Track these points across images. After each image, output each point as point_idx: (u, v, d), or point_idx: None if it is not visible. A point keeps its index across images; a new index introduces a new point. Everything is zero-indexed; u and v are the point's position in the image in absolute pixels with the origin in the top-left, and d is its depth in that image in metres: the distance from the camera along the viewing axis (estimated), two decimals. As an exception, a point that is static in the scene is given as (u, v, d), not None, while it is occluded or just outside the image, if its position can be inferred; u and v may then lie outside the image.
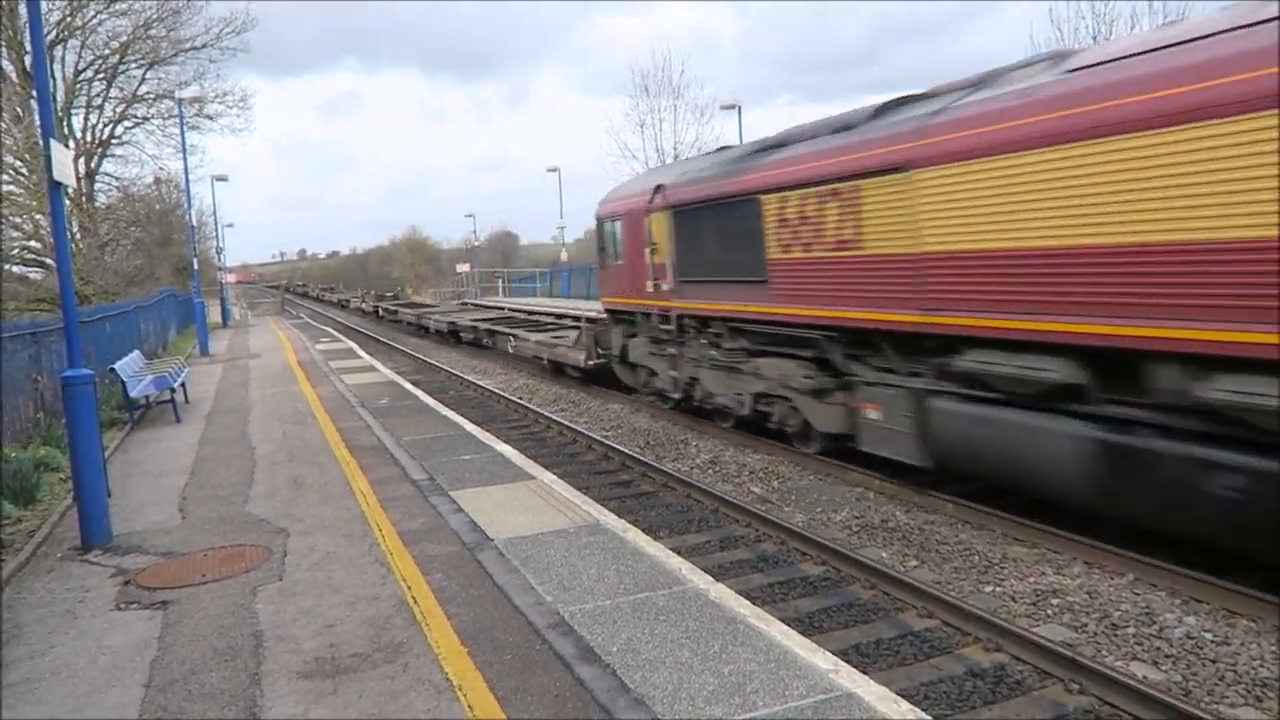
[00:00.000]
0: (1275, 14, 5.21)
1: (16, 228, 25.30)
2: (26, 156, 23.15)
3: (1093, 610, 6.15)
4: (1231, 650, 5.51)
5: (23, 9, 24.17)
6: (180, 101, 26.98)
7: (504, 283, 53.18)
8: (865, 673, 4.61)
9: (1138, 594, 6.38)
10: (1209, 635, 5.71)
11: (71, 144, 30.19)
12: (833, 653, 4.72)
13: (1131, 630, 5.84)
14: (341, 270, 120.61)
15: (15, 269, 27.06)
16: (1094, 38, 20.96)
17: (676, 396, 12.96)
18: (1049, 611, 6.21)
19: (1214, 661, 5.40)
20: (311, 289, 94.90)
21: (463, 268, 55.45)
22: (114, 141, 33.64)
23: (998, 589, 6.64)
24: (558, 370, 18.27)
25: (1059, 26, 22.92)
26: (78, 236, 28.00)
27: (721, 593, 5.33)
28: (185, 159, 26.89)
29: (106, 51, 30.70)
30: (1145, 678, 5.18)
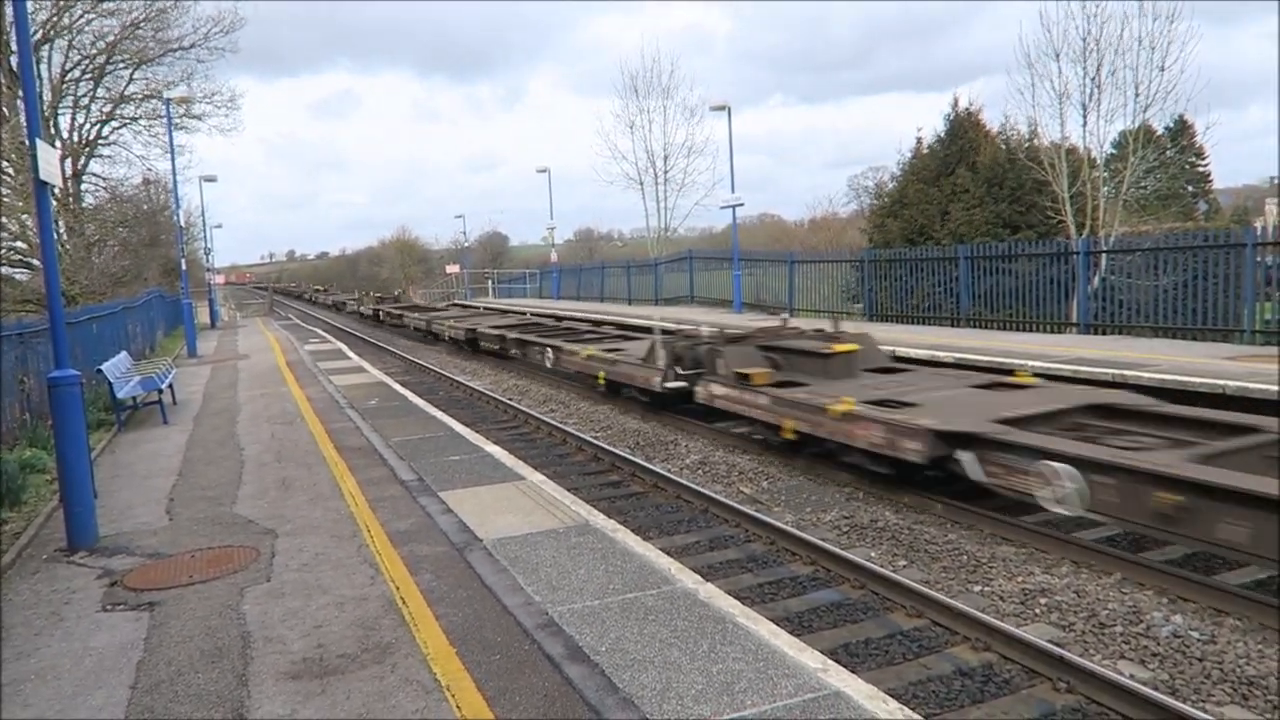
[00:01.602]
0: None
1: (2, 228, 25.14)
2: (13, 157, 23.01)
3: (1080, 609, 6.18)
4: (1218, 649, 5.54)
5: (8, 9, 24.02)
6: (168, 102, 26.86)
7: (493, 283, 53.15)
8: (854, 672, 4.62)
9: (1125, 593, 6.41)
10: (1195, 634, 5.74)
11: (58, 144, 30.02)
12: (821, 652, 4.72)
13: (1119, 629, 5.87)
14: (331, 271, 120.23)
15: (2, 270, 26.89)
16: (1084, 39, 21.03)
17: None
18: (1037, 611, 6.23)
19: (1200, 660, 5.43)
20: (357, 301, 50.54)
21: (452, 269, 55.39)
22: (101, 142, 33.54)
23: (986, 588, 6.66)
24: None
25: (1048, 28, 23.00)
26: (64, 237, 27.84)
27: (710, 592, 5.33)
28: (173, 159, 26.78)
29: (94, 51, 30.59)
30: (1132, 676, 5.20)
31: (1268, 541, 5.51)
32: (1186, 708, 4.69)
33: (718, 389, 11.57)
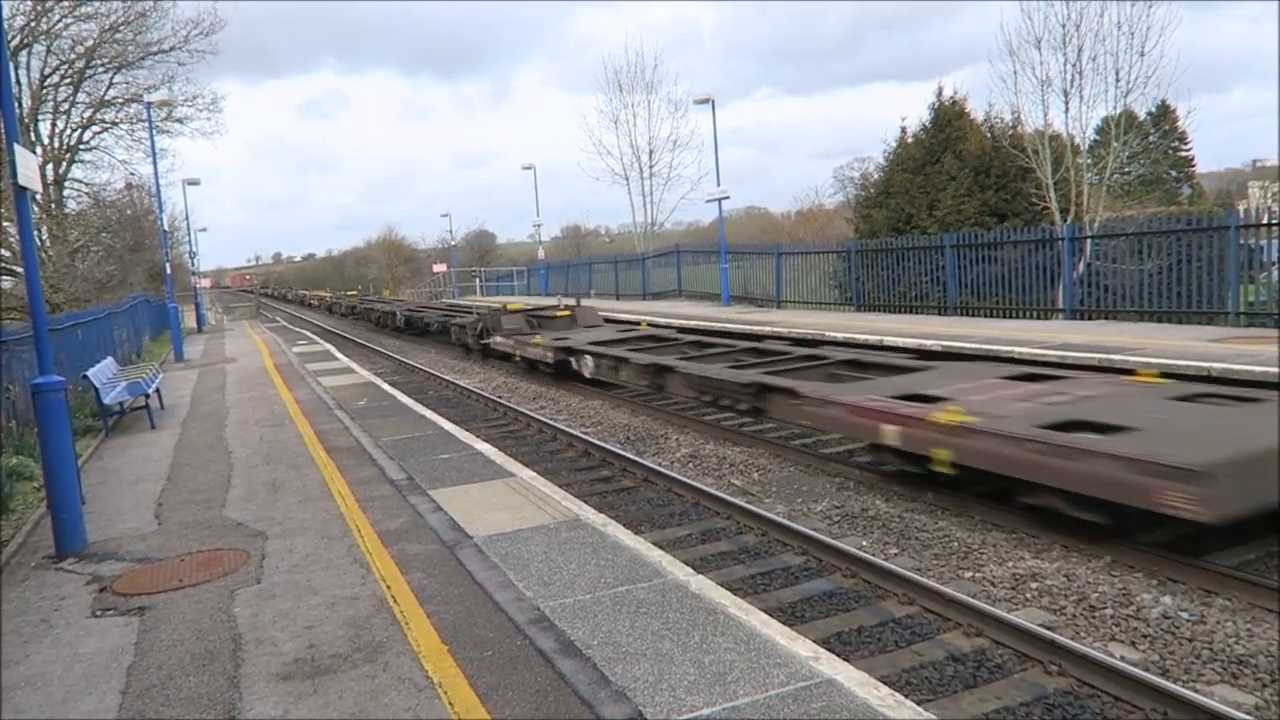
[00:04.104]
0: None
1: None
2: (-7, 163, 22.81)
3: (1071, 593, 6.21)
4: (1207, 629, 5.58)
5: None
6: (149, 105, 26.66)
7: (480, 281, 53.06)
8: (846, 660, 4.63)
9: (1115, 576, 6.44)
10: (1185, 615, 5.78)
11: (39, 150, 29.78)
12: (814, 641, 4.73)
13: (1109, 612, 5.90)
14: (318, 272, 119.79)
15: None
16: (1063, 25, 21.09)
17: None
18: (1028, 595, 6.26)
19: (1190, 640, 5.46)
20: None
21: (439, 268, 55.27)
22: (83, 147, 33.22)
23: (977, 574, 6.69)
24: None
25: (1029, 15, 23.08)
26: (47, 244, 27.63)
27: (702, 584, 5.34)
28: (155, 163, 26.62)
29: (73, 56, 30.32)
30: (1123, 658, 5.23)
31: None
32: (1177, 688, 4.72)
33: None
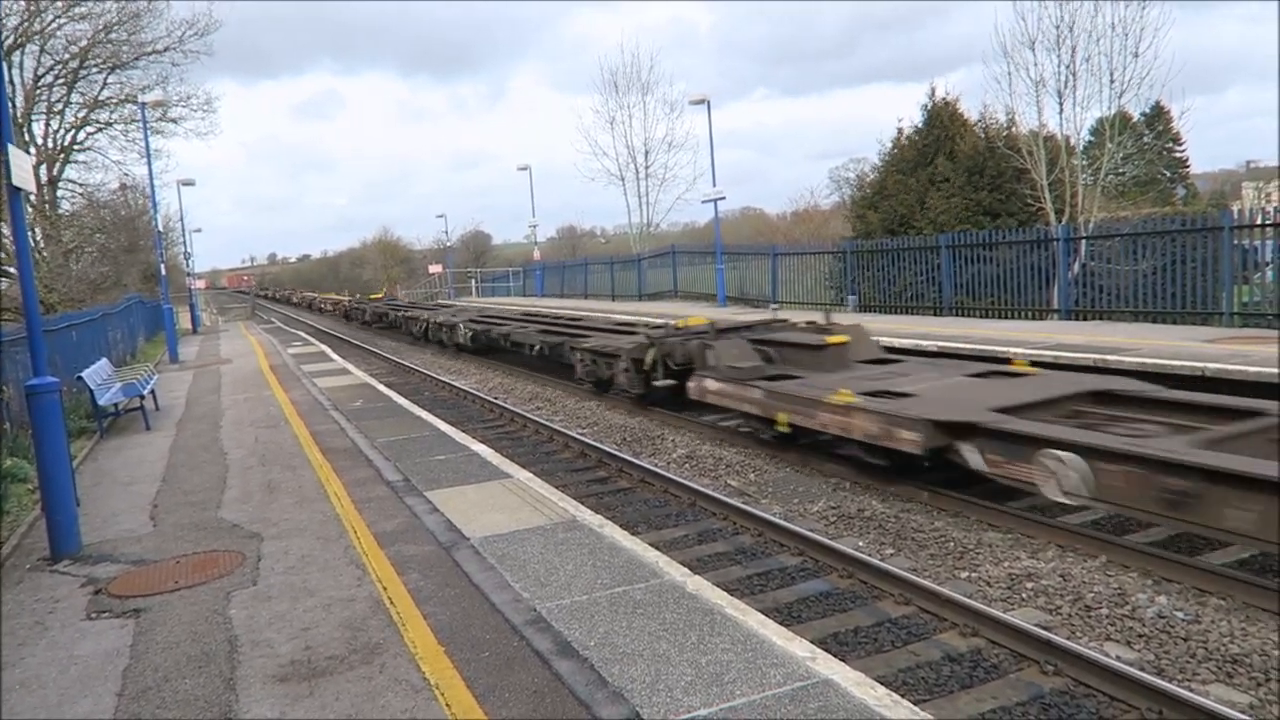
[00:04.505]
0: None
1: (-22, 237, 24.87)
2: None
3: (1066, 593, 6.22)
4: (1202, 628, 5.59)
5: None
6: (143, 106, 26.59)
7: (476, 283, 53.04)
8: (843, 660, 4.64)
9: (1110, 576, 6.45)
10: (1180, 614, 5.79)
11: (33, 150, 29.71)
12: (810, 641, 4.74)
13: (1104, 611, 5.91)
14: (313, 273, 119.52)
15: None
16: (1057, 26, 21.15)
17: None
18: (1024, 595, 6.27)
19: (1185, 640, 5.48)
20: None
21: (435, 269, 55.25)
22: (77, 147, 33.21)
23: (973, 574, 6.70)
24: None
25: (1023, 16, 23.16)
26: (41, 244, 27.57)
27: (699, 585, 5.34)
28: (150, 164, 26.57)
29: (66, 56, 30.28)
30: (1119, 657, 5.24)
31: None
32: (1173, 687, 4.73)
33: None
